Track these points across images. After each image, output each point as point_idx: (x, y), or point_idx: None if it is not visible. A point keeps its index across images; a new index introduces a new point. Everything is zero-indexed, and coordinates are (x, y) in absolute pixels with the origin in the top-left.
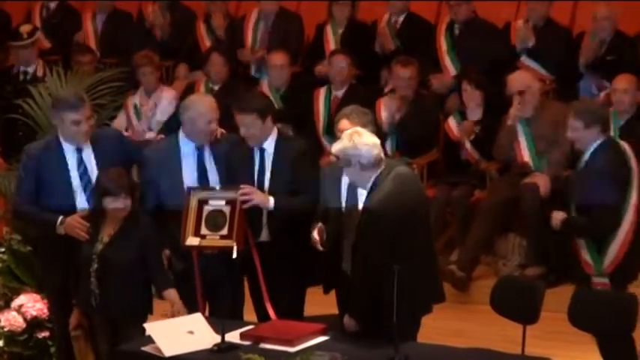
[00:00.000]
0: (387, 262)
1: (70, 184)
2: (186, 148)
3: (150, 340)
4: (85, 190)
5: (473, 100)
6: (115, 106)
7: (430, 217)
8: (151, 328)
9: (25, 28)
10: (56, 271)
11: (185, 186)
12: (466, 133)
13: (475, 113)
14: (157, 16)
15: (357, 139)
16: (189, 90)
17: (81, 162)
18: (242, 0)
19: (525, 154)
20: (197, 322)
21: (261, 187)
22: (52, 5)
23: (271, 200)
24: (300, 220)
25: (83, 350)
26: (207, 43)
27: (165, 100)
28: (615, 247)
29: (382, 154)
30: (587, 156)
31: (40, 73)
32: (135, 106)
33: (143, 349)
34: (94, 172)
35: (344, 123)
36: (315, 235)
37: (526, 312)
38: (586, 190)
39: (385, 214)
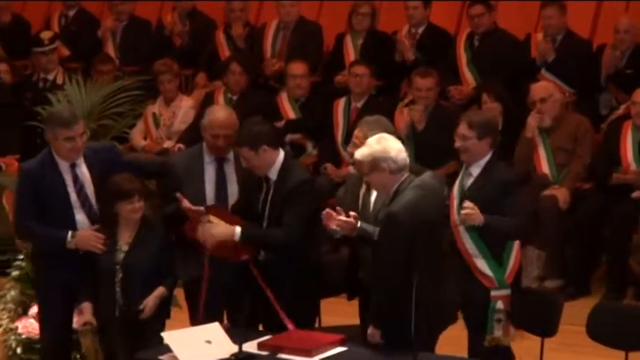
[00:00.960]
0: (406, 269)
1: (68, 200)
2: (209, 158)
3: (168, 349)
4: (83, 206)
5: (492, 111)
6: (134, 115)
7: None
8: (169, 337)
9: (46, 35)
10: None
11: (206, 194)
12: None
13: None
14: (176, 24)
15: (385, 142)
16: (207, 99)
17: (77, 178)
18: (263, 1)
19: (545, 167)
20: (215, 331)
21: (263, 217)
22: (71, 13)
23: (237, 230)
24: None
25: (91, 347)
26: (226, 52)
27: (183, 109)
28: (513, 256)
29: (407, 160)
30: (476, 171)
31: (59, 81)
32: (154, 115)
33: (161, 357)
34: (90, 187)
35: (358, 133)
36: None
37: (544, 324)
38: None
39: (406, 220)
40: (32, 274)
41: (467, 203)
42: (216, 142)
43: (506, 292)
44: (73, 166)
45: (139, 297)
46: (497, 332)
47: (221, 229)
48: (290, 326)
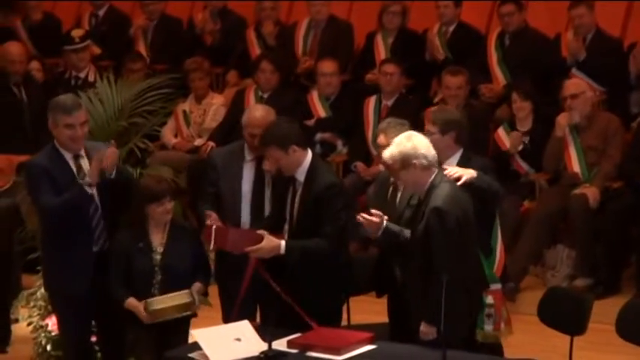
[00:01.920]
0: (456, 261)
1: None
2: (249, 156)
3: (197, 347)
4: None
5: (522, 111)
6: (165, 113)
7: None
8: (199, 334)
9: (77, 33)
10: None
11: (242, 193)
12: (515, 144)
13: (525, 124)
14: (207, 22)
15: (415, 139)
16: (238, 97)
17: (80, 169)
18: (294, 1)
19: (575, 165)
20: (244, 329)
21: (291, 218)
22: (101, 13)
23: (282, 245)
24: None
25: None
26: (257, 50)
27: (214, 107)
28: (499, 249)
29: (436, 157)
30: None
31: (91, 79)
32: (184, 113)
33: (190, 355)
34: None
35: (381, 138)
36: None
37: (574, 323)
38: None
39: (451, 212)
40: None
41: (450, 168)
42: (253, 141)
43: (496, 286)
44: (76, 157)
45: None
46: (488, 327)
47: (267, 247)
48: (313, 325)
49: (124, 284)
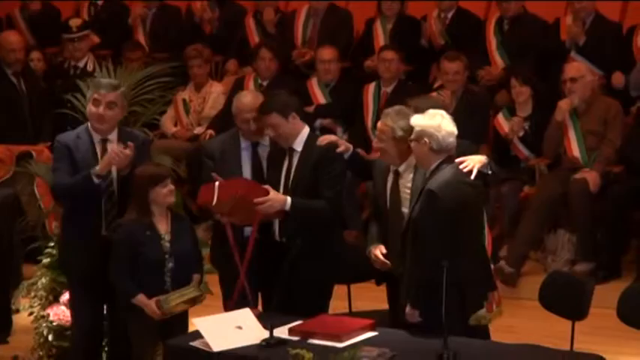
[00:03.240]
0: (444, 248)
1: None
2: (244, 143)
3: (198, 335)
4: (105, 178)
5: (521, 95)
6: (164, 102)
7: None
8: (200, 323)
9: (74, 22)
10: (83, 257)
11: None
12: (515, 130)
13: (524, 109)
14: (206, 10)
15: (441, 121)
16: (237, 85)
17: (105, 152)
18: None
19: (575, 150)
20: (245, 317)
21: (286, 188)
22: (100, 2)
23: (288, 200)
24: (314, 224)
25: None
26: (256, 38)
27: (214, 95)
28: (485, 229)
29: (454, 145)
30: None
31: (90, 68)
32: (184, 101)
33: (192, 344)
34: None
35: (385, 127)
36: (380, 255)
37: (575, 308)
38: None
39: (445, 197)
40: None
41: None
42: (248, 127)
43: None
44: (104, 140)
45: (185, 284)
46: (481, 311)
47: (275, 199)
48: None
49: (131, 277)
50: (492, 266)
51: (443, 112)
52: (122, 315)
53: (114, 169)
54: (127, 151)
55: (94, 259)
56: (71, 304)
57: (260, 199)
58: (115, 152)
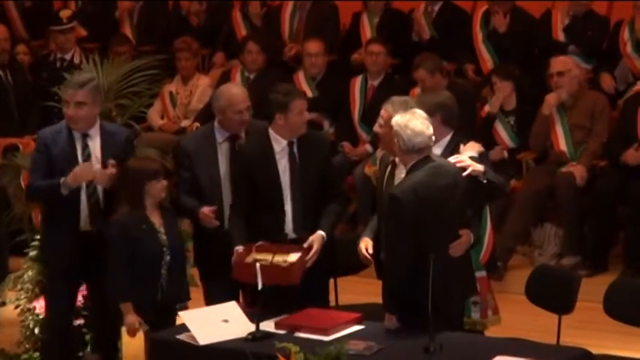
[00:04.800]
0: (415, 252)
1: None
2: (221, 138)
3: (185, 329)
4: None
5: (503, 91)
6: (151, 94)
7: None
8: (186, 316)
9: (64, 13)
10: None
11: (221, 174)
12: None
13: (509, 103)
14: (193, 3)
15: (408, 121)
16: (224, 78)
17: (85, 148)
18: None
19: (562, 144)
20: (232, 310)
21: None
22: None
23: (323, 235)
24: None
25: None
26: (243, 31)
27: (200, 88)
28: (487, 238)
29: (425, 144)
30: (437, 151)
31: (76, 61)
32: (171, 94)
33: (178, 337)
34: (98, 161)
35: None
36: (363, 249)
37: (561, 302)
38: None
39: (405, 201)
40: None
41: (459, 157)
42: (242, 117)
43: (481, 273)
44: (85, 135)
45: (179, 278)
46: (475, 315)
47: (319, 247)
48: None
49: (127, 276)
50: (486, 273)
51: (420, 111)
52: (112, 313)
53: (97, 165)
54: (110, 171)
55: (73, 255)
56: (47, 296)
57: (311, 258)
58: (98, 174)
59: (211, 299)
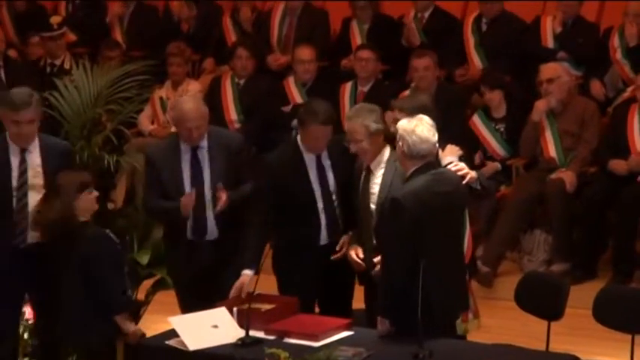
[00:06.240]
0: (407, 255)
1: (10, 182)
2: (184, 147)
3: (174, 334)
4: (19, 189)
5: (493, 100)
6: (141, 100)
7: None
8: (176, 321)
9: (55, 19)
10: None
11: (184, 181)
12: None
13: (499, 111)
14: (183, 9)
15: (415, 126)
16: (215, 84)
17: (22, 162)
18: None
19: (551, 150)
20: (222, 316)
21: (328, 196)
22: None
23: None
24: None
25: None
26: (233, 37)
27: (191, 94)
28: (466, 239)
29: (429, 151)
30: None
31: (66, 66)
32: (161, 100)
33: (167, 342)
34: (37, 176)
35: (347, 126)
36: (354, 255)
37: (551, 308)
38: None
39: (406, 205)
40: None
41: (458, 164)
42: (190, 135)
43: None
44: (23, 151)
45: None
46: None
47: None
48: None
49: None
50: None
51: (425, 117)
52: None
53: (32, 179)
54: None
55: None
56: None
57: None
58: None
59: (185, 307)
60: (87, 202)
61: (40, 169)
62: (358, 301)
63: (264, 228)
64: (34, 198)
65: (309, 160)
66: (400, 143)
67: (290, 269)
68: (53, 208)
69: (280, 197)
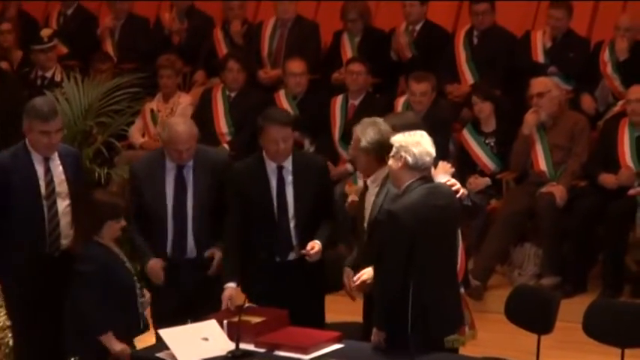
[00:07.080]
0: (403, 268)
1: (39, 191)
2: (170, 164)
3: (164, 347)
4: (48, 197)
5: (483, 112)
6: (132, 112)
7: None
8: (166, 334)
9: (45, 32)
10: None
11: (167, 197)
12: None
13: (488, 125)
14: (174, 21)
15: (419, 138)
16: (205, 96)
17: (48, 170)
18: (261, 1)
19: (542, 164)
20: (212, 328)
21: (283, 206)
22: (69, 12)
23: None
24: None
25: None
26: (224, 49)
27: (182, 106)
28: (460, 253)
29: (429, 164)
30: None
31: (57, 78)
32: (152, 112)
33: (158, 355)
34: (61, 183)
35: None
36: (346, 282)
37: (541, 322)
38: None
39: (404, 220)
40: None
41: (450, 180)
42: (180, 156)
43: None
44: (46, 159)
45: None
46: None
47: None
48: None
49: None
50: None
51: (424, 132)
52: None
53: (58, 187)
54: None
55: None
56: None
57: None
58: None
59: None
60: (113, 231)
61: (63, 177)
62: (356, 315)
63: (236, 238)
64: (61, 205)
65: (271, 171)
66: (402, 154)
67: (252, 282)
68: (81, 226)
69: (244, 206)
